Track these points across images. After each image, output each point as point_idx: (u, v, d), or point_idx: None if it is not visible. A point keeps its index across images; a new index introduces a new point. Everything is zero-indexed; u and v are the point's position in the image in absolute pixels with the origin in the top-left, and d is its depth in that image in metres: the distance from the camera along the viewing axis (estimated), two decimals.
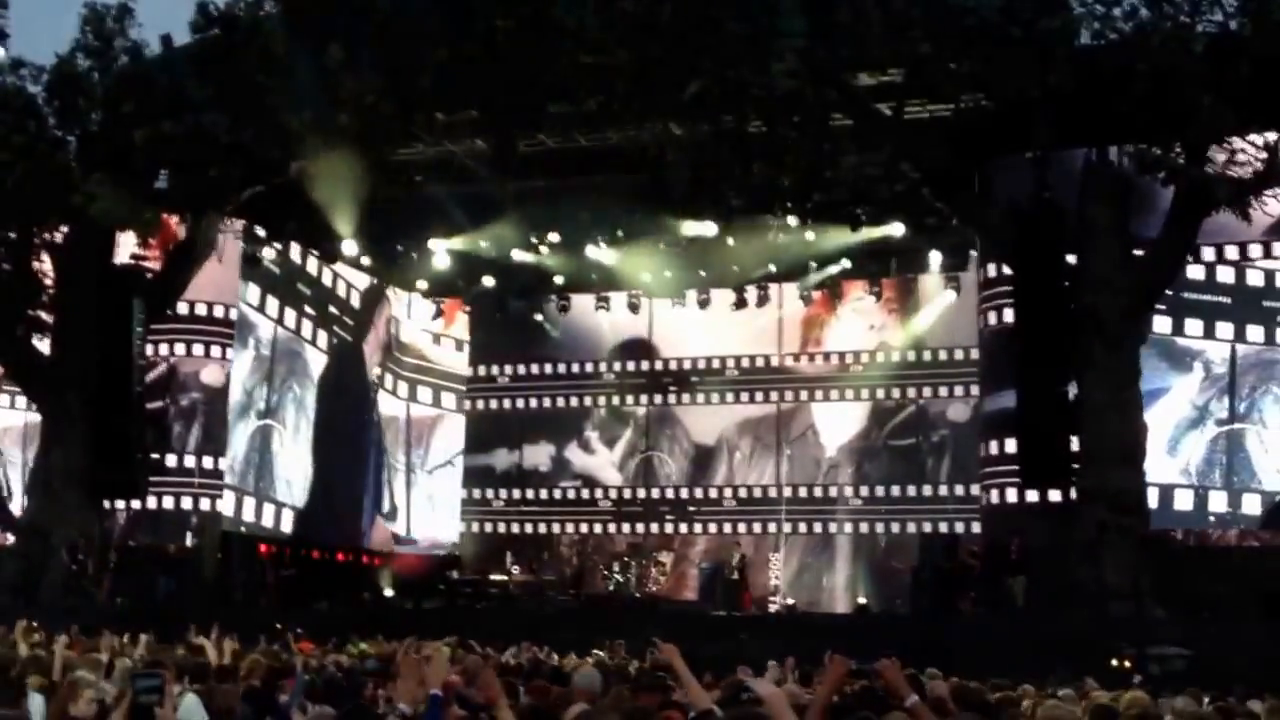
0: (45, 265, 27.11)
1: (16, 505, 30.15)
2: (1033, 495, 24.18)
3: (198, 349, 28.57)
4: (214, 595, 26.61)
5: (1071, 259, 22.77)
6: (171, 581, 25.97)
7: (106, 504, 26.81)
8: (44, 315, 27.10)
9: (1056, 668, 13.55)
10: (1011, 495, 24.88)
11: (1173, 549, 24.42)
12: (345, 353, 32.55)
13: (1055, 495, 23.49)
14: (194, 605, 23.99)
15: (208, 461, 28.31)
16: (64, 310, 26.68)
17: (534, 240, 29.42)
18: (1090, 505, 21.82)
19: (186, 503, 27.89)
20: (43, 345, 27.19)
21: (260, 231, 28.55)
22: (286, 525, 30.37)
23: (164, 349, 28.25)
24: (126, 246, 26.88)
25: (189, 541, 27.41)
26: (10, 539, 28.62)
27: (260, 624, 18.49)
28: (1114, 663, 17.71)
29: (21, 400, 30.27)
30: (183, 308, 28.06)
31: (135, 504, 27.24)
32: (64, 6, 27.46)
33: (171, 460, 27.97)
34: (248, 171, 24.87)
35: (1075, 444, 22.29)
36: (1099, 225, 22.41)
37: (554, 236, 29.23)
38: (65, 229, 26.46)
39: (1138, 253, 22.79)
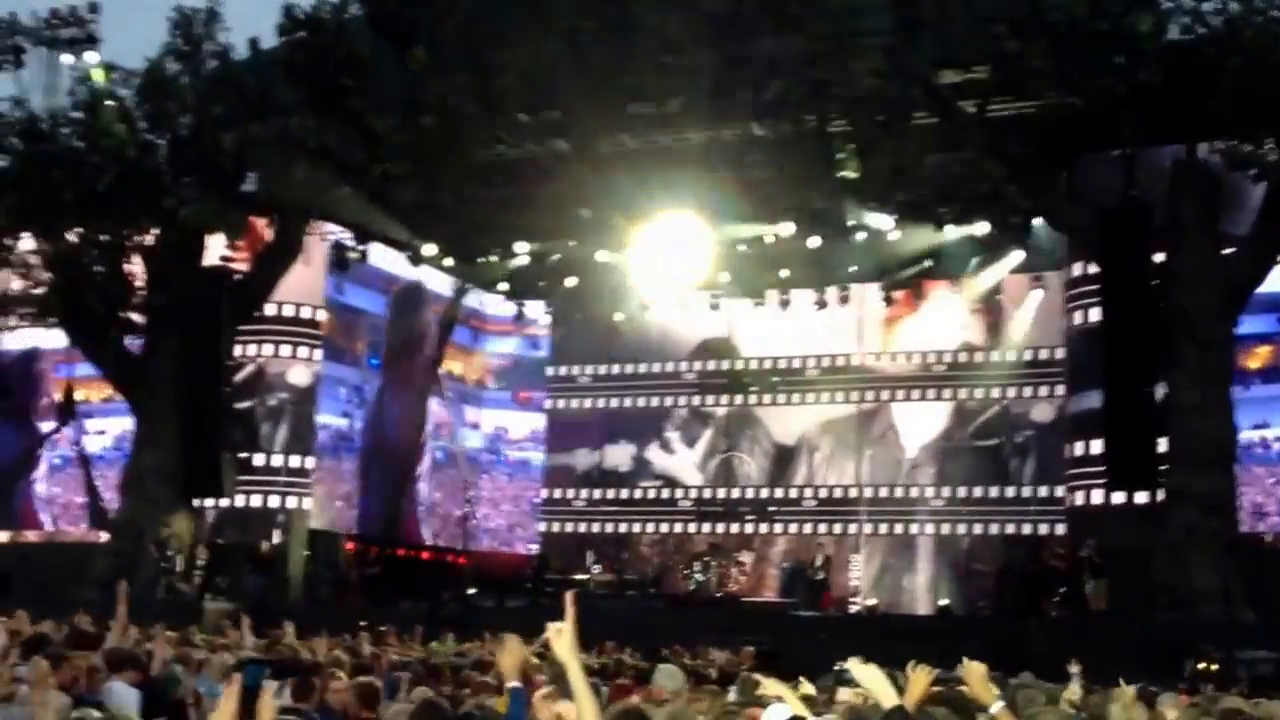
0: (136, 267, 27.57)
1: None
2: (1119, 497, 23.90)
3: (285, 350, 28.96)
4: (301, 593, 26.91)
5: (1160, 258, 22.47)
6: (259, 579, 26.32)
7: (196, 502, 27.22)
8: (135, 317, 27.57)
9: (1125, 674, 13.33)
10: (1097, 497, 24.60)
11: (1263, 552, 24.08)
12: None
13: (1142, 497, 23.20)
14: (281, 603, 24.27)
15: (294, 460, 28.69)
16: (155, 312, 27.11)
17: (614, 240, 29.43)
18: (1178, 507, 21.52)
19: (274, 501, 28.29)
20: (134, 346, 27.68)
21: (346, 234, 28.85)
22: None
23: (252, 349, 28.68)
24: (215, 248, 27.24)
25: (276, 539, 27.74)
26: (104, 537, 29.14)
27: (346, 622, 18.66)
28: (1200, 666, 17.49)
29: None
30: (270, 309, 28.45)
31: (224, 502, 27.65)
32: (154, 11, 27.85)
33: (259, 459, 28.40)
34: (334, 174, 25.14)
35: (1163, 445, 22.02)
36: (1188, 223, 22.10)
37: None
38: (156, 231, 26.83)
39: (1227, 251, 22.47)
